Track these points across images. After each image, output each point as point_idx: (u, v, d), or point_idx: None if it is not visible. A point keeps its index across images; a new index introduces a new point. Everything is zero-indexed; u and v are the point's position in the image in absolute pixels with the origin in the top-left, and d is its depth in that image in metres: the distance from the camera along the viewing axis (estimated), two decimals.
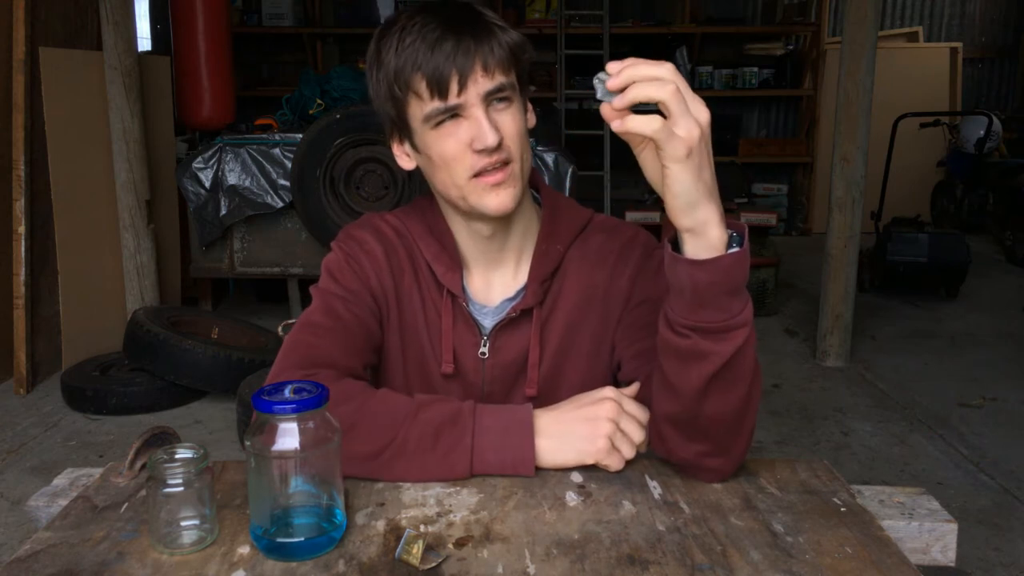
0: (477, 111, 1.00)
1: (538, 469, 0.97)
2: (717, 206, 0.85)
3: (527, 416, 0.98)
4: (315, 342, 1.07)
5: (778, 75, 7.11)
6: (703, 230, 0.85)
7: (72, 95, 3.76)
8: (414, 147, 1.09)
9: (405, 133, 1.08)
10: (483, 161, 1.02)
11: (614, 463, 0.96)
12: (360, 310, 1.12)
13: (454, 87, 0.99)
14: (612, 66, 0.82)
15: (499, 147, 1.02)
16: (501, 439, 0.96)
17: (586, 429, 0.96)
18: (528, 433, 0.96)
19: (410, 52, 1.00)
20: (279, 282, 4.68)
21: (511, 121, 1.03)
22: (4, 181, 3.57)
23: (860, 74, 3.67)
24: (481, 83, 1.00)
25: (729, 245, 0.87)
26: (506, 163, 1.03)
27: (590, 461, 0.97)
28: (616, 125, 0.82)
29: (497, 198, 1.04)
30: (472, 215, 1.09)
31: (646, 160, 0.87)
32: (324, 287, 1.13)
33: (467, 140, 1.02)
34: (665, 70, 0.81)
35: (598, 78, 0.82)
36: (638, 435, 0.97)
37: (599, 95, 0.83)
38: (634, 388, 1.03)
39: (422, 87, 1.00)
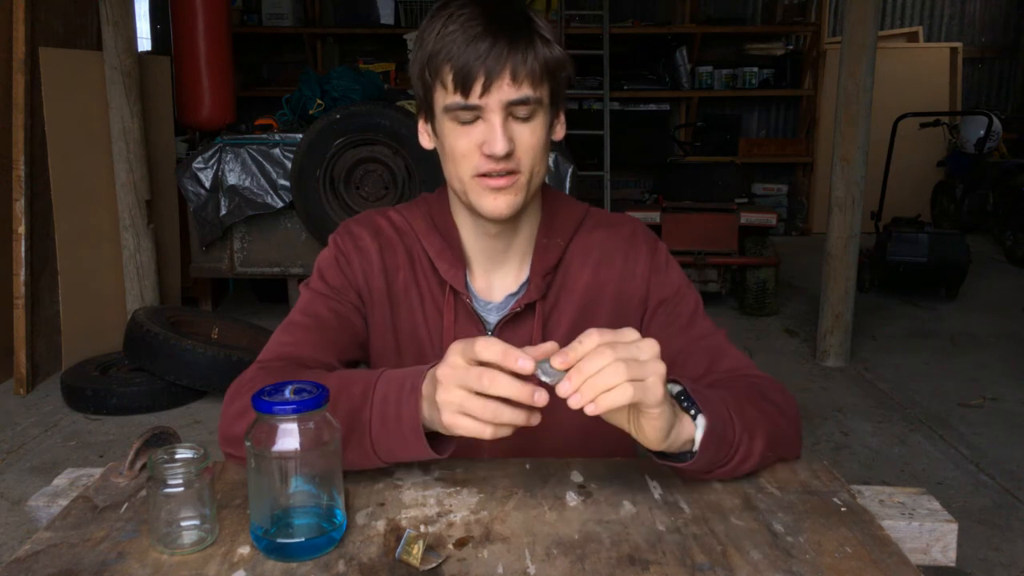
0: (495, 117, 1.00)
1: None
2: (678, 409, 0.88)
3: (418, 381, 0.88)
4: (288, 340, 1.08)
5: (778, 75, 7.11)
6: (679, 442, 0.88)
7: (72, 95, 3.76)
8: (434, 131, 1.09)
9: (429, 115, 1.09)
10: (489, 165, 1.02)
11: (463, 429, 0.82)
12: (342, 307, 1.13)
13: (478, 88, 0.99)
14: (555, 361, 0.79)
15: (509, 156, 1.01)
16: (394, 409, 0.88)
17: (440, 395, 0.83)
18: (415, 399, 0.87)
19: (447, 41, 0.99)
20: (279, 282, 4.68)
21: (529, 134, 1.03)
22: (4, 181, 3.57)
23: (860, 74, 3.67)
24: (506, 91, 0.99)
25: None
26: (512, 172, 1.03)
27: (458, 433, 0.83)
28: (590, 409, 0.79)
29: (494, 202, 1.04)
30: (475, 212, 1.09)
31: (617, 417, 0.86)
32: (311, 284, 1.15)
33: (479, 141, 1.02)
34: (607, 358, 0.78)
35: (541, 369, 0.79)
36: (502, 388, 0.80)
37: (549, 379, 0.80)
38: (547, 346, 0.84)
39: (448, 79, 1.00)
